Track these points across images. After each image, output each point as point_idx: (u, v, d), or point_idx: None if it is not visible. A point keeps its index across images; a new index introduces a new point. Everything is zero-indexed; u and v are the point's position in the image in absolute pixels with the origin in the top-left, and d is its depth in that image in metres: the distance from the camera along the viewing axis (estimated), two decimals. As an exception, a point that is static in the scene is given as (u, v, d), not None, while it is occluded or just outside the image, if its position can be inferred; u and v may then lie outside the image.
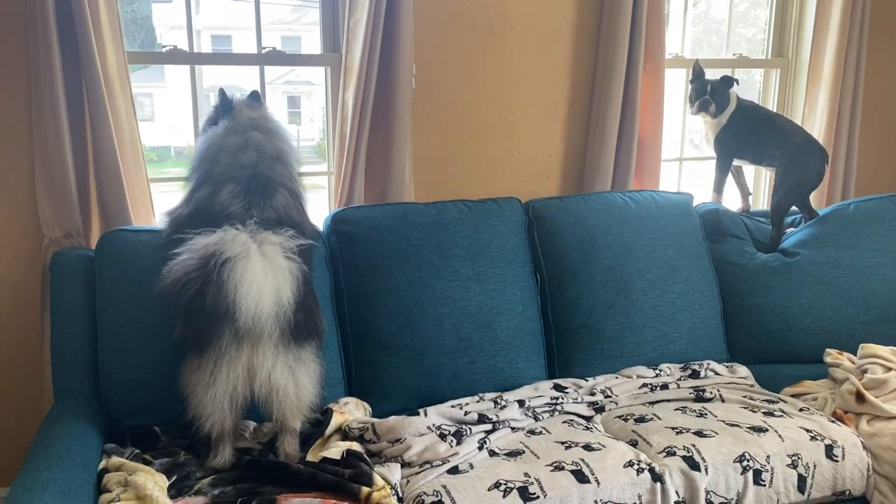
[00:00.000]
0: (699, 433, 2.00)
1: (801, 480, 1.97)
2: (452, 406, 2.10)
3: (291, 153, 2.13)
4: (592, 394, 2.29)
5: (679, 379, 2.38)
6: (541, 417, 2.14)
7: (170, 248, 1.92)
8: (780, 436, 2.01)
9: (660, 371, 2.41)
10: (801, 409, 2.18)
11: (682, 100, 3.06)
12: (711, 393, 2.27)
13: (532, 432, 2.04)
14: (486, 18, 2.65)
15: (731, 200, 2.96)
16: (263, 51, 2.49)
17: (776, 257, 2.64)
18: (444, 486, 1.75)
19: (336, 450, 1.86)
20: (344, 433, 1.98)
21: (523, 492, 1.75)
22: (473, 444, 1.93)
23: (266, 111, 2.19)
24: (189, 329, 1.81)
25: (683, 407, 2.19)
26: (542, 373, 2.39)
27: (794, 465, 1.97)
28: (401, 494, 1.76)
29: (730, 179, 2.90)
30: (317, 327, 1.94)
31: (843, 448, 2.02)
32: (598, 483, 1.80)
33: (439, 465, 1.84)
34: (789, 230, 2.78)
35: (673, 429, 2.03)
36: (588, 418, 2.17)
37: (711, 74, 2.82)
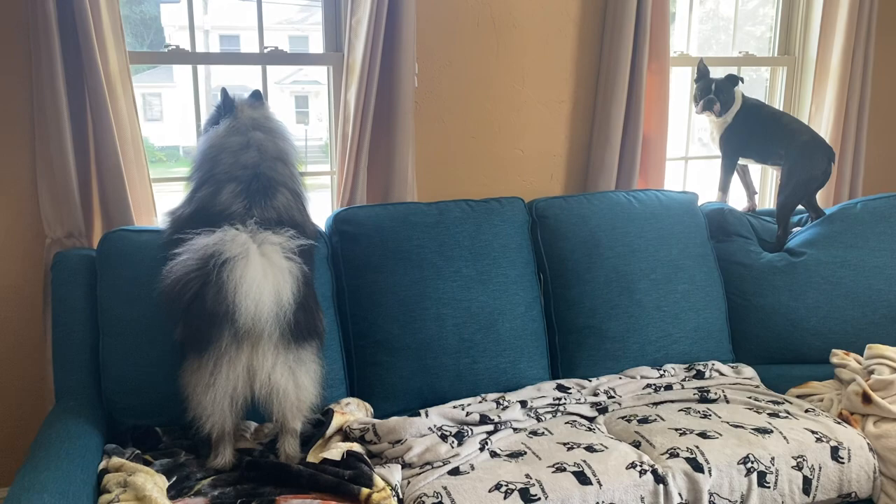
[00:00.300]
0: (703, 434, 1.98)
1: (807, 482, 1.95)
2: (454, 407, 2.09)
3: (293, 153, 2.13)
4: (595, 394, 2.28)
5: (683, 379, 2.37)
6: (543, 418, 2.12)
7: (171, 248, 1.92)
8: (784, 437, 1.99)
9: (664, 371, 2.39)
10: (806, 411, 2.15)
11: (689, 98, 3.03)
12: (716, 394, 2.25)
13: (534, 433, 2.03)
14: (489, 17, 2.64)
15: (740, 200, 2.95)
16: (266, 50, 2.49)
17: (782, 257, 2.62)
18: (445, 488, 1.74)
19: (336, 451, 1.85)
20: (345, 434, 1.98)
21: (524, 493, 1.74)
22: (475, 444, 1.92)
23: (268, 111, 2.19)
24: (189, 329, 1.81)
25: (687, 408, 2.17)
26: (545, 373, 2.38)
27: (798, 467, 1.94)
28: (401, 495, 1.75)
29: (736, 178, 2.89)
30: (317, 328, 1.93)
31: (848, 450, 2.00)
32: (601, 485, 1.79)
33: (440, 466, 1.83)
34: (796, 229, 2.75)
35: (676, 430, 2.02)
36: (591, 419, 2.16)
37: (719, 73, 2.79)
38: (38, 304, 2.27)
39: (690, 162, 3.16)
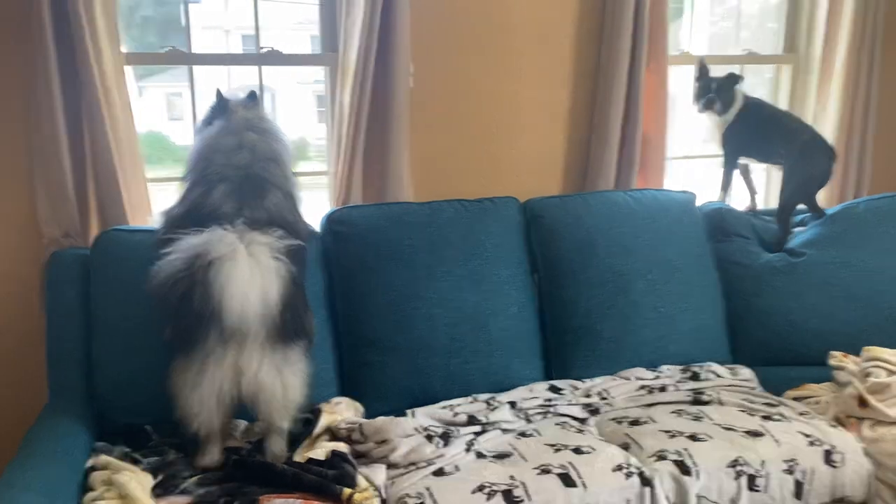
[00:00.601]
0: (693, 437, 1.96)
1: (798, 486, 1.92)
2: (443, 407, 2.09)
3: (286, 154, 2.14)
4: (588, 395, 2.26)
5: (679, 381, 2.34)
6: (533, 419, 2.11)
7: (163, 247, 1.93)
8: (776, 440, 1.96)
9: (659, 373, 2.37)
10: (801, 413, 2.12)
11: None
12: (710, 396, 2.22)
13: (523, 434, 2.02)
14: (486, 16, 2.63)
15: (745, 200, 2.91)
16: (262, 51, 2.50)
17: (781, 257, 2.59)
18: (428, 489, 1.74)
19: (322, 450, 1.86)
20: (333, 433, 1.98)
21: (507, 495, 1.73)
22: (461, 445, 1.92)
23: (262, 111, 2.20)
24: (177, 329, 1.82)
25: (680, 410, 2.15)
26: (538, 374, 2.37)
27: (790, 471, 1.92)
28: (384, 496, 1.75)
29: (739, 178, 2.86)
30: (304, 328, 1.94)
31: (842, 454, 1.97)
32: (585, 487, 1.78)
33: (425, 467, 1.83)
34: (797, 229, 2.72)
35: (667, 432, 2.00)
36: (582, 420, 2.14)
37: (722, 71, 2.75)
38: (36, 303, 2.29)
39: (699, 161, 3.12)
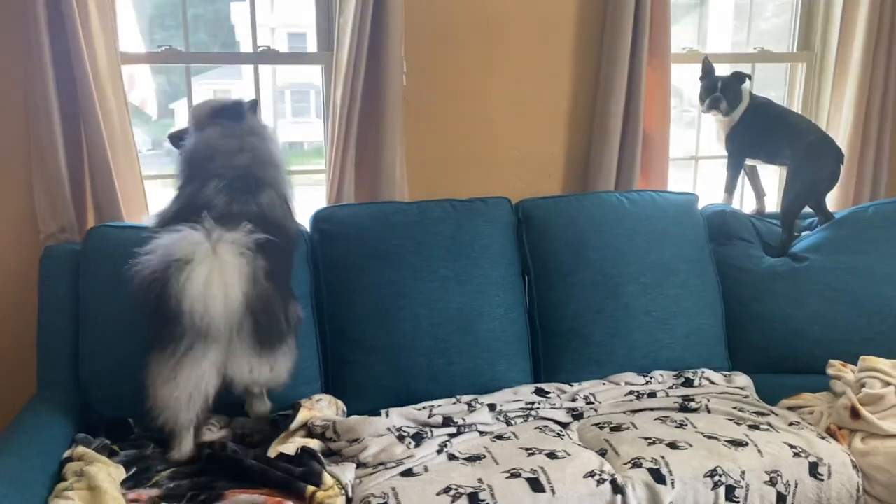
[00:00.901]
0: (672, 445, 1.92)
1: (781, 499, 1.86)
2: (422, 408, 2.07)
3: (282, 157, 2.16)
4: (574, 400, 2.23)
5: (671, 387, 2.29)
6: (513, 422, 2.09)
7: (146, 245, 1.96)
8: (759, 451, 1.90)
9: (651, 378, 2.32)
10: (790, 424, 2.06)
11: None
12: (698, 403, 2.17)
13: (500, 437, 1.99)
14: (483, 13, 2.61)
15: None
16: (259, 49, 2.52)
17: (784, 262, 2.51)
18: (394, 489, 1.73)
19: (293, 446, 1.86)
20: (309, 430, 1.99)
21: (473, 498, 1.71)
22: (433, 446, 1.90)
23: (261, 118, 2.22)
24: (151, 327, 1.85)
25: (665, 417, 2.10)
26: (526, 376, 2.34)
27: (772, 483, 1.86)
28: (350, 494, 1.75)
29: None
30: (286, 322, 1.95)
31: (829, 466, 1.90)
32: (554, 492, 1.75)
33: (394, 467, 1.82)
34: (804, 233, 2.64)
35: (646, 439, 1.96)
36: (565, 425, 2.11)
37: (747, 69, 2.68)
38: (33, 297, 2.35)
39: (709, 163, 3.05)
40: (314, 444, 1.91)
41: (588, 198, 2.48)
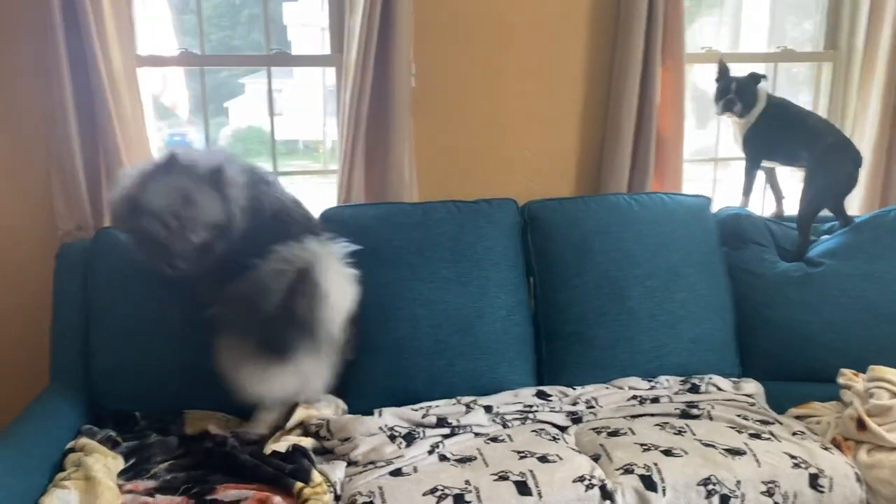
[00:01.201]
0: (667, 452, 1.89)
1: (778, 510, 1.82)
2: (417, 408, 2.08)
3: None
4: (575, 403, 2.21)
5: (676, 392, 2.26)
6: (510, 424, 2.08)
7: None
8: (757, 460, 1.86)
9: (655, 383, 2.29)
10: (794, 433, 2.01)
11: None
12: (701, 409, 2.13)
13: (494, 439, 1.99)
14: (493, 13, 2.60)
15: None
16: (271, 52, 2.56)
17: (798, 267, 2.44)
18: (380, 488, 1.75)
19: (285, 444, 1.89)
20: (305, 429, 2.02)
21: (459, 499, 1.71)
22: (424, 447, 1.91)
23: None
24: (269, 331, 1.92)
25: (664, 423, 2.07)
26: (528, 379, 2.32)
27: (769, 493, 1.82)
28: (338, 492, 1.77)
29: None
30: None
31: (830, 478, 1.85)
32: (541, 496, 1.74)
33: (384, 466, 1.84)
34: (823, 237, 2.56)
35: (641, 445, 1.93)
36: (563, 428, 2.10)
37: (757, 70, 2.62)
38: (50, 292, 2.44)
39: (734, 164, 2.97)
40: (307, 442, 1.93)
41: (595, 200, 2.46)
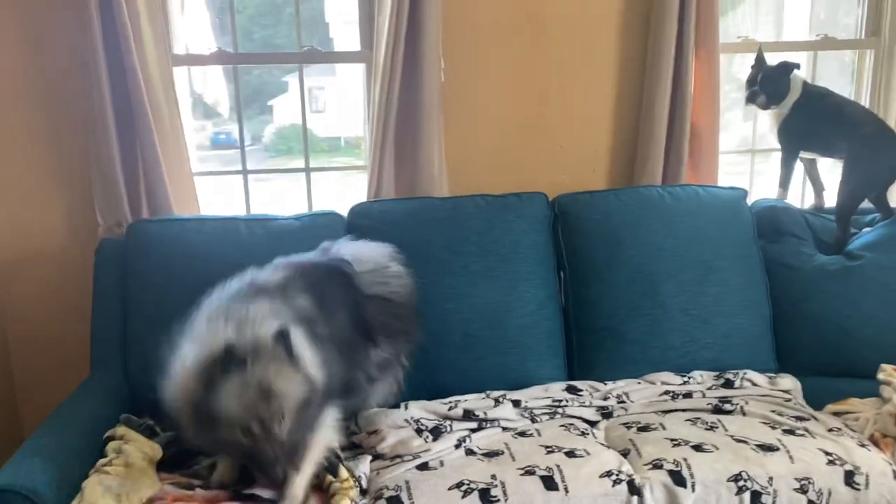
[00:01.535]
0: (698, 447, 1.87)
1: (812, 507, 1.78)
2: (445, 402, 2.09)
3: None
4: (606, 398, 2.20)
5: (710, 388, 2.23)
6: (539, 419, 2.08)
7: None
8: (790, 457, 1.83)
9: (689, 378, 2.26)
10: (830, 430, 1.96)
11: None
12: (734, 405, 2.10)
13: (522, 433, 1.99)
14: (524, 7, 2.59)
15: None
16: (303, 49, 2.59)
17: (837, 260, 2.39)
18: (407, 482, 1.76)
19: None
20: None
21: (484, 494, 1.72)
22: (451, 441, 1.92)
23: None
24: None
25: (696, 418, 2.05)
26: (559, 373, 2.32)
27: (803, 490, 1.78)
28: (364, 486, 1.79)
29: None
30: None
31: (866, 475, 1.80)
32: (567, 491, 1.73)
33: (411, 460, 1.85)
34: (864, 230, 2.50)
35: (672, 440, 1.91)
36: (593, 423, 2.08)
37: (799, 59, 2.56)
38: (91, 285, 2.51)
39: (771, 156, 2.91)
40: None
41: (627, 192, 2.44)
